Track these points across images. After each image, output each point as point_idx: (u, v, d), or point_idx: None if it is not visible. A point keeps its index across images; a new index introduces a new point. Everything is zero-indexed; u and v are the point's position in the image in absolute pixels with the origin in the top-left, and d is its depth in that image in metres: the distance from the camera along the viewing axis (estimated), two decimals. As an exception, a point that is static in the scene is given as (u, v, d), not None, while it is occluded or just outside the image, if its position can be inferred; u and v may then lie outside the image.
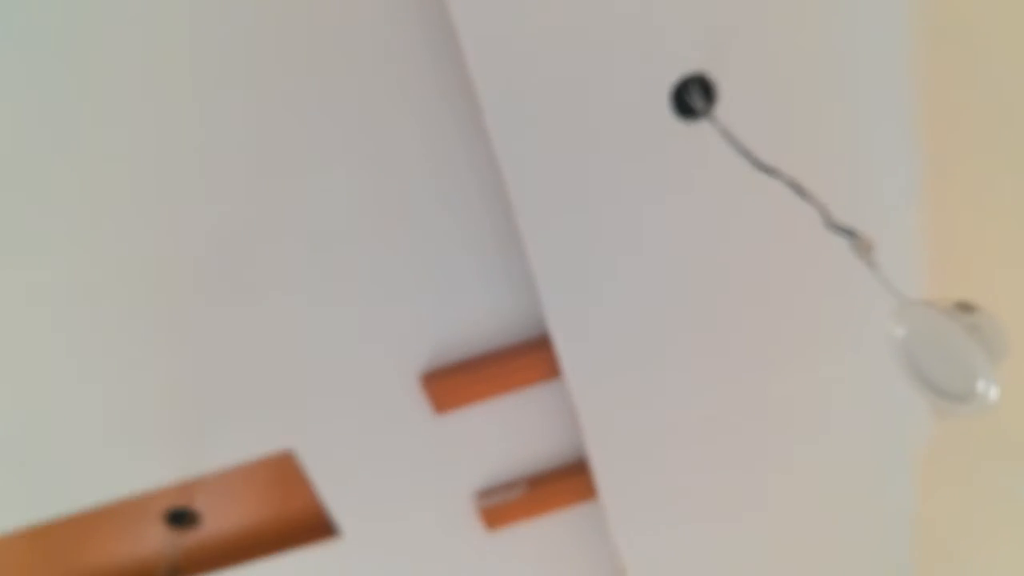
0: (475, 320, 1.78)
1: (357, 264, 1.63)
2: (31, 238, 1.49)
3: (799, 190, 1.10)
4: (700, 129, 1.24)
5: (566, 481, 2.00)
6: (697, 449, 1.83)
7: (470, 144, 1.53)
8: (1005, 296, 1.04)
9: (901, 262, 1.08)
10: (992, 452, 1.63)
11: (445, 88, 1.45)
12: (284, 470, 1.91)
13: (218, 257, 1.56)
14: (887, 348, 1.00)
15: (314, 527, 2.03)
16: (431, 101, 1.48)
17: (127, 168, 1.44)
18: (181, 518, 1.97)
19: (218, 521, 2.01)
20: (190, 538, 2.00)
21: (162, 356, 1.65)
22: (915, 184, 1.43)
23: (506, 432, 1.93)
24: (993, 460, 1.64)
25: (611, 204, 1.43)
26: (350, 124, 1.47)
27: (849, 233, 1.02)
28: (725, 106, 1.23)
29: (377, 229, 1.60)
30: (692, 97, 1.23)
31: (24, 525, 1.91)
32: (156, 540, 2.02)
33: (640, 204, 1.43)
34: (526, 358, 1.82)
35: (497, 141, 1.33)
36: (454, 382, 1.81)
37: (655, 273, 1.53)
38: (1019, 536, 1.69)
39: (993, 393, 0.87)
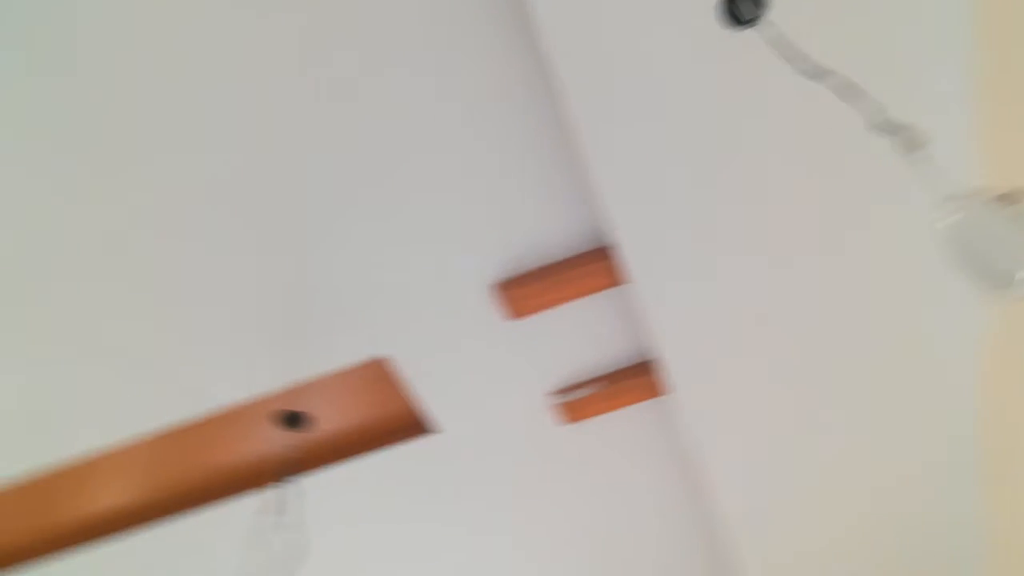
0: (545, 233, 1.88)
1: (435, 186, 1.75)
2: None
3: (852, 90, 1.13)
4: (749, 37, 1.28)
5: (636, 379, 2.14)
6: (758, 345, 1.92)
7: (536, 60, 1.60)
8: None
9: (953, 158, 1.10)
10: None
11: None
12: (381, 375, 2.11)
13: (313, 178, 1.70)
14: (934, 237, 1.04)
15: (412, 426, 2.25)
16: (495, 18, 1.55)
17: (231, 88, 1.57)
18: (294, 420, 2.21)
19: (326, 422, 2.24)
20: (302, 438, 2.25)
21: (267, 272, 1.83)
22: (969, 81, 1.43)
23: (578, 335, 2.07)
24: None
25: (666, 113, 1.49)
26: (428, 45, 1.55)
27: (902, 128, 1.06)
28: (776, 12, 1.25)
29: (451, 148, 1.70)
30: (741, 5, 1.26)
31: (149, 431, 2.18)
32: (272, 441, 2.28)
33: (692, 111, 1.49)
34: (592, 267, 1.92)
35: (559, 60, 1.40)
36: (526, 291, 1.94)
37: (708, 179, 1.59)
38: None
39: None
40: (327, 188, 1.72)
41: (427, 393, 2.14)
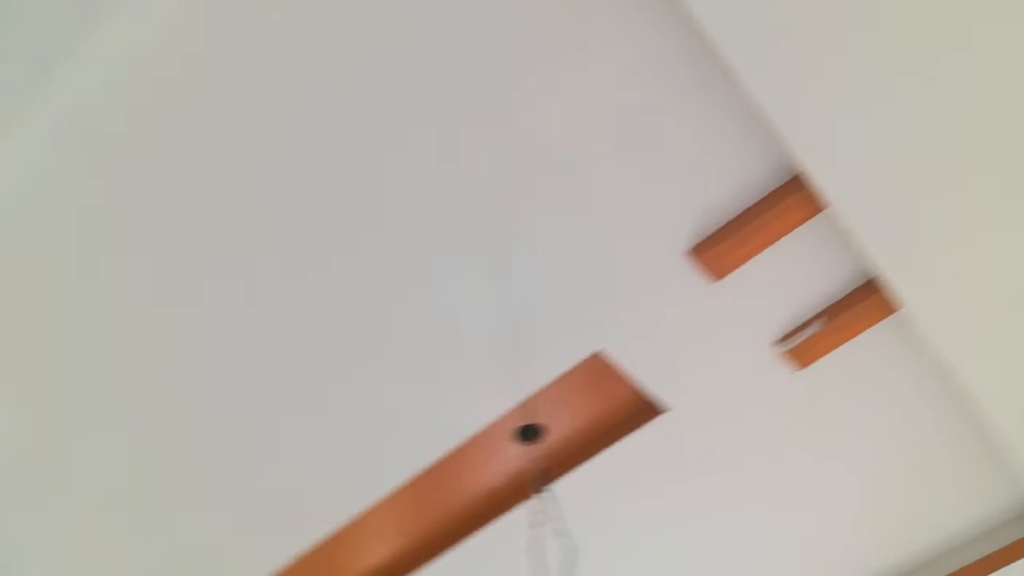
0: (726, 185, 1.83)
1: (613, 170, 1.76)
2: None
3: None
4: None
5: (860, 303, 2.01)
6: (977, 233, 1.75)
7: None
8: None
9: None
10: None
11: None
12: (601, 369, 2.14)
13: (506, 189, 1.77)
14: None
15: (641, 410, 2.26)
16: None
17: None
18: (530, 432, 2.30)
19: (560, 427, 2.31)
20: (542, 447, 2.33)
21: (481, 302, 1.93)
22: None
23: (787, 276, 1.98)
24: None
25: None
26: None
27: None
28: None
29: (625, 129, 1.71)
30: None
31: (403, 481, 2.33)
32: (515, 458, 2.38)
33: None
34: (782, 205, 1.84)
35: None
36: (722, 248, 1.90)
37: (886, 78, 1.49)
38: None
39: None
40: (513, 195, 1.77)
41: (647, 375, 2.15)
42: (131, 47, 1.48)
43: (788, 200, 1.83)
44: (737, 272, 1.94)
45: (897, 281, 1.82)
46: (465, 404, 2.17)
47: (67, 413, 2.00)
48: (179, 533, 2.34)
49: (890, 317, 2.01)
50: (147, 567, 2.42)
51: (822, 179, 1.68)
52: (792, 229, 1.88)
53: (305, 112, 1.61)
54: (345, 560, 2.67)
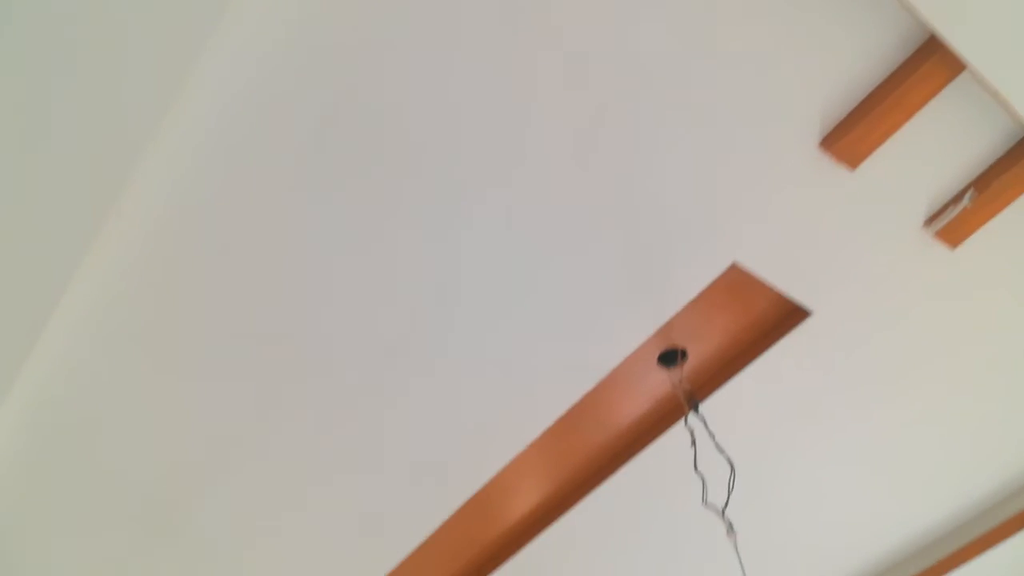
0: (848, 66, 1.75)
1: (738, 66, 1.71)
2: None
3: None
4: None
5: (1011, 168, 1.90)
6: None
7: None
8: None
9: None
10: None
11: None
12: (739, 281, 2.11)
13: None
14: None
15: (784, 318, 2.22)
16: None
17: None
18: (673, 356, 2.30)
19: (703, 345, 2.30)
20: (687, 369, 2.33)
21: (614, 230, 1.93)
22: None
23: (929, 151, 1.89)
24: None
25: None
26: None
27: None
28: None
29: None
30: None
31: (548, 425, 2.37)
32: (662, 383, 2.38)
33: None
34: (914, 77, 1.75)
35: None
36: (853, 135, 1.82)
37: None
38: None
39: None
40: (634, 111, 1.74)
41: (789, 280, 2.10)
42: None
43: (919, 71, 1.73)
44: (873, 156, 1.86)
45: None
46: (605, 338, 2.18)
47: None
48: (337, 503, 2.45)
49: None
50: (306, 536, 2.54)
51: (955, 39, 1.59)
52: (927, 101, 1.78)
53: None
54: (498, 511, 2.75)
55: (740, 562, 2.02)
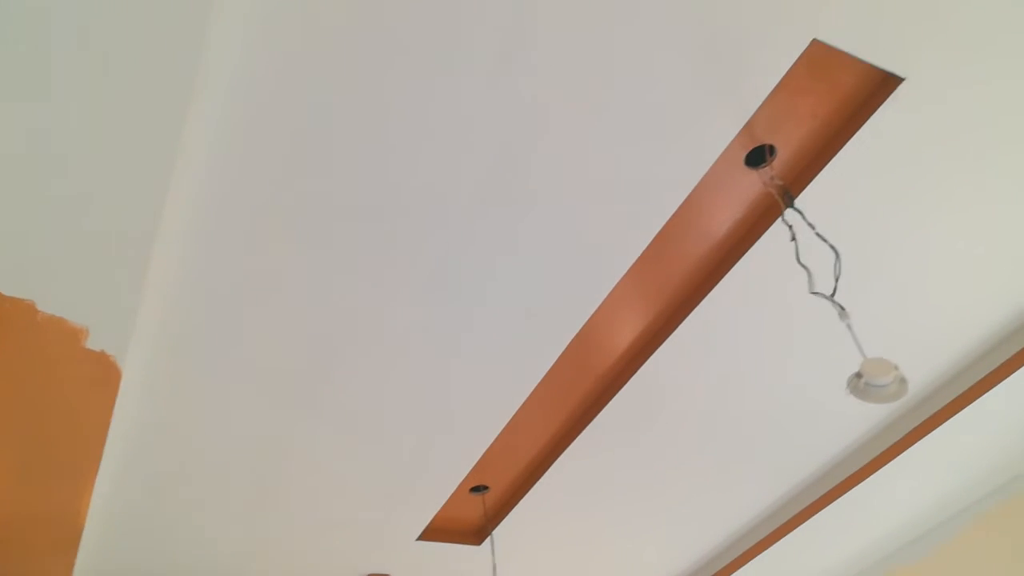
0: None
1: None
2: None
3: None
4: None
5: None
6: None
7: None
8: None
9: None
10: None
11: None
12: (821, 60, 1.99)
13: None
14: None
15: (876, 88, 2.09)
16: None
17: None
18: (758, 156, 2.23)
19: (789, 143, 2.21)
20: (778, 164, 2.26)
21: (681, 38, 1.84)
22: None
23: None
24: None
25: None
26: None
27: None
28: None
29: None
30: None
31: (647, 243, 2.35)
32: (752, 185, 2.33)
33: None
34: None
35: None
36: None
37: None
38: None
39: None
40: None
41: (873, 49, 1.96)
42: None
43: None
44: None
45: None
46: (689, 147, 2.12)
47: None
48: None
49: None
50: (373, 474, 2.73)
51: None
52: None
53: None
54: (604, 344, 2.84)
55: (856, 342, 2.04)
